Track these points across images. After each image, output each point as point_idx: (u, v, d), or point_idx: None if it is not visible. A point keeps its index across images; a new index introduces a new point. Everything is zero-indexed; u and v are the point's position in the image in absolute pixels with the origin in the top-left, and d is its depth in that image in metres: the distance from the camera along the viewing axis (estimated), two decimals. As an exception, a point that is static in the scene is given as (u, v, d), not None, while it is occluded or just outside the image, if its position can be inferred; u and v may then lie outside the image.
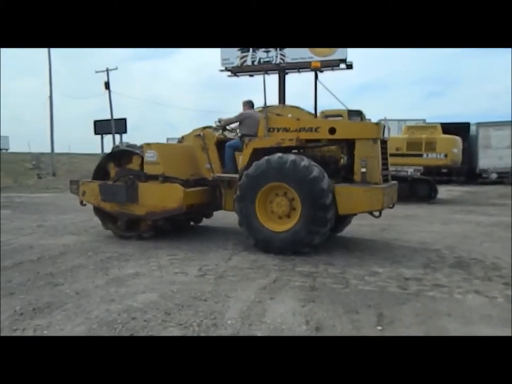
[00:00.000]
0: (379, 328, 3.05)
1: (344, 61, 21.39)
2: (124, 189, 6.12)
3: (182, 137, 10.91)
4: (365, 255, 5.30)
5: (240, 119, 6.32)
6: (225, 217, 7.66)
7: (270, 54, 21.70)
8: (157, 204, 5.93)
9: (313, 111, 8.82)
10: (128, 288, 3.99)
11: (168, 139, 27.49)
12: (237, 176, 5.82)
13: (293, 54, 21.35)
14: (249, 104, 6.53)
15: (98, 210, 6.61)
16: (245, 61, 22.00)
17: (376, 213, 5.44)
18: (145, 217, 6.12)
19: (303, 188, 5.11)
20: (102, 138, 34.99)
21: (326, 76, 22.46)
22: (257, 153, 5.64)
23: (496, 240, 6.28)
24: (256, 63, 22.28)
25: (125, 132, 34.15)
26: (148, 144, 6.10)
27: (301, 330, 3.02)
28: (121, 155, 6.51)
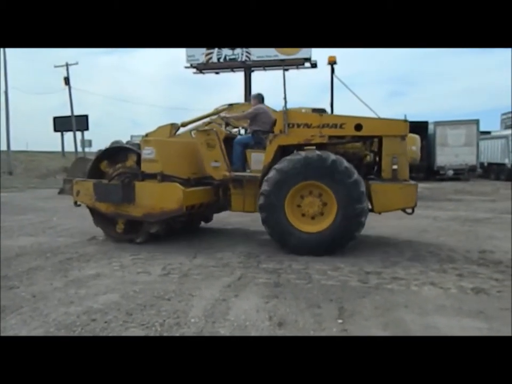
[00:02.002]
0: (340, 321, 3.13)
1: (308, 59, 21.66)
2: (119, 188, 5.64)
3: (147, 135, 10.68)
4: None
5: (253, 114, 5.92)
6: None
7: (235, 52, 21.64)
8: (154, 205, 5.54)
9: (278, 108, 8.87)
10: (88, 290, 3.88)
11: (132, 136, 26.88)
12: (257, 175, 5.55)
13: (259, 52, 21.40)
14: (258, 98, 6.16)
15: (93, 211, 6.15)
16: (211, 58, 21.85)
17: (409, 210, 5.39)
18: (141, 219, 5.71)
19: (341, 189, 4.95)
20: (62, 135, 33.74)
21: (292, 74, 22.56)
22: (282, 150, 5.48)
23: (451, 234, 6.58)
24: (221, 60, 22.17)
25: (87, 128, 33.15)
26: (146, 140, 5.73)
27: (264, 326, 3.05)
28: (118, 152, 6.05)
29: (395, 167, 5.21)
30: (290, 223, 5.17)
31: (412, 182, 5.34)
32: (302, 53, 21.12)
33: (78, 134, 30.81)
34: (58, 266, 4.72)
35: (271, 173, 5.19)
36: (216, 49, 21.71)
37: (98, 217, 6.12)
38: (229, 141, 6.01)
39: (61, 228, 6.82)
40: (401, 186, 5.18)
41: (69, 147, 32.04)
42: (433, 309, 3.37)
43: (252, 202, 5.78)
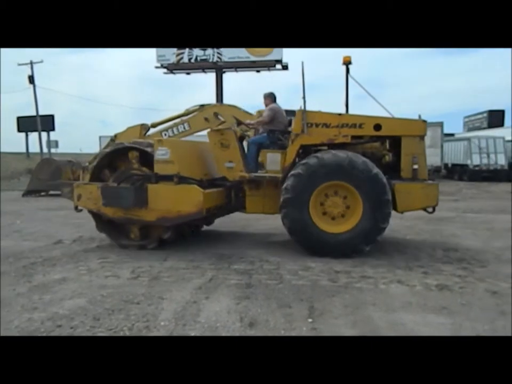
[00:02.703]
0: (310, 320, 3.16)
1: (280, 61, 21.85)
2: (131, 191, 5.26)
3: (115, 136, 10.44)
4: (299, 251, 5.44)
5: (272, 114, 5.75)
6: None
7: (207, 52, 21.57)
8: (170, 208, 5.24)
9: (251, 110, 8.86)
10: (53, 295, 3.76)
11: (100, 137, 26.28)
12: (277, 176, 5.45)
13: (230, 53, 21.42)
14: (271, 97, 6.00)
15: (97, 217, 5.78)
16: (181, 58, 21.70)
17: (430, 209, 5.38)
18: (155, 223, 5.42)
19: (369, 192, 4.95)
20: (26, 136, 32.58)
21: (263, 76, 22.71)
22: (304, 150, 5.42)
23: (417, 233, 6.79)
24: (193, 60, 22.03)
25: (53, 129, 32.17)
26: (159, 140, 5.41)
27: (235, 327, 3.05)
28: (125, 153, 5.69)
29: (416, 166, 5.25)
30: (317, 225, 5.10)
31: (432, 181, 5.41)
32: (274, 54, 21.30)
33: (44, 134, 29.80)
34: (22, 271, 4.55)
35: (300, 170, 5.08)
36: (187, 50, 21.56)
37: (103, 222, 5.79)
38: (240, 140, 5.88)
39: (25, 232, 6.58)
40: (423, 186, 5.23)
41: (34, 148, 30.98)
42: (400, 306, 3.46)
43: (271, 204, 5.60)
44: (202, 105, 9.23)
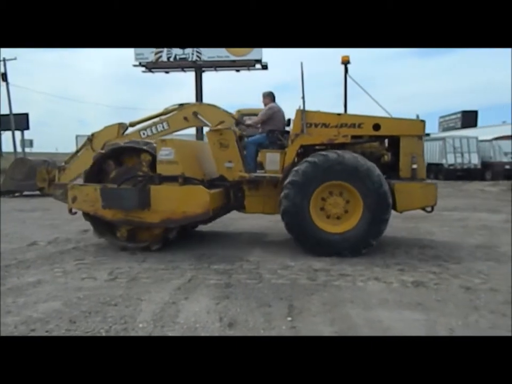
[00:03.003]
0: (289, 319, 3.18)
1: (259, 61, 21.88)
2: (134, 193, 5.13)
3: (92, 135, 10.24)
4: (279, 250, 5.48)
5: (270, 115, 5.77)
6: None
7: (186, 51, 21.40)
8: (175, 209, 5.15)
9: (231, 110, 8.84)
10: (27, 298, 3.66)
11: (77, 136, 25.74)
12: (277, 176, 5.44)
13: (210, 52, 21.32)
14: (270, 97, 5.98)
15: (95, 220, 5.57)
16: (160, 56, 21.47)
17: (428, 209, 5.42)
18: (159, 225, 5.31)
19: (370, 194, 4.96)
20: (-1, 135, 31.66)
21: (242, 75, 22.74)
22: (304, 150, 5.41)
23: (395, 231, 6.89)
24: (172, 59, 21.83)
25: (27, 128, 31.39)
26: (163, 140, 5.28)
27: (215, 327, 3.04)
28: (122, 153, 5.55)
29: (415, 166, 5.27)
30: (316, 224, 5.11)
31: (430, 181, 5.48)
32: (253, 54, 21.32)
33: (18, 133, 29.01)
34: (-6, 274, 4.42)
35: (305, 167, 5.06)
36: (165, 48, 21.34)
37: (101, 225, 5.61)
38: (240, 140, 5.83)
39: (-3, 234, 6.37)
40: (422, 186, 5.29)
41: (8, 147, 30.11)
42: (377, 303, 3.52)
43: (271, 204, 5.59)
44: (181, 104, 9.15)
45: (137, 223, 5.32)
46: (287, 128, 6.01)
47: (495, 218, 8.17)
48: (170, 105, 9.43)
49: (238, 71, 22.90)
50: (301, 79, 5.30)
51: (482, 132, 21.38)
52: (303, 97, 5.34)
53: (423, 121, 5.47)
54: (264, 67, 22.25)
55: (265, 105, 6.02)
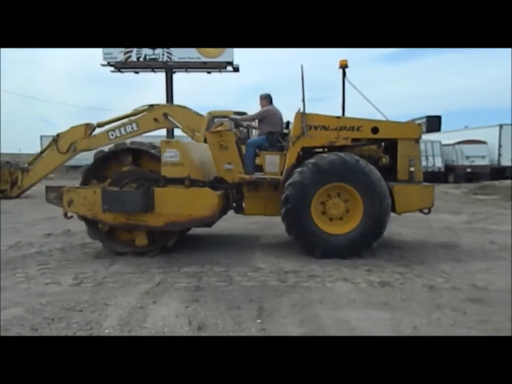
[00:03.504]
0: (259, 321, 3.19)
1: (231, 63, 21.87)
2: (139, 196, 4.98)
3: (58, 135, 9.93)
4: (250, 252, 5.48)
5: (264, 115, 5.80)
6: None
7: (156, 52, 21.12)
8: (181, 212, 5.04)
9: (202, 111, 8.79)
10: (-14, 305, 3.50)
11: (42, 137, 24.86)
12: (279, 178, 5.46)
13: (180, 53, 21.13)
14: (267, 99, 5.98)
15: (91, 223, 5.38)
16: (130, 56, 21.07)
17: (426, 210, 5.51)
18: (163, 228, 5.19)
19: (370, 196, 5.03)
20: (-43, 134, 30.21)
21: (214, 77, 22.69)
22: (303, 153, 5.42)
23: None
24: (141, 59, 21.49)
25: (-13, 127, 30.06)
26: (167, 142, 5.19)
27: (183, 331, 3.00)
28: (121, 155, 5.37)
29: (412, 169, 5.40)
30: (317, 225, 5.13)
31: (427, 183, 5.57)
32: (225, 56, 21.30)
33: (-23, 132, 27.74)
34: (-50, 281, 4.20)
35: (306, 170, 5.08)
36: (135, 48, 20.98)
37: (97, 229, 5.42)
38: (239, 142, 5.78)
39: (-46, 238, 6.05)
40: (420, 188, 5.40)
41: (-34, 147, 28.64)
42: (345, 303, 3.59)
43: (271, 206, 5.61)
44: (151, 105, 9.05)
45: (140, 226, 5.19)
46: (285, 131, 6.07)
47: (456, 220, 8.50)
48: (140, 106, 9.30)
49: (209, 72, 22.81)
50: (301, 81, 5.34)
51: (445, 136, 22.17)
52: (303, 100, 5.36)
53: (419, 125, 5.63)
54: (236, 69, 22.27)
55: (262, 107, 6.04)
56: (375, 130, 5.43)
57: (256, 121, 6.22)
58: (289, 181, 5.16)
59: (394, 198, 5.25)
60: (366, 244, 5.13)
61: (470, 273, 4.51)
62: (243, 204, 5.81)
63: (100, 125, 9.05)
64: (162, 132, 20.18)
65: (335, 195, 5.24)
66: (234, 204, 5.88)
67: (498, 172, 20.02)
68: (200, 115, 8.82)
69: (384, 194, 5.05)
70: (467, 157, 20.74)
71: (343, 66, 5.68)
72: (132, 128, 8.82)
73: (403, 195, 5.30)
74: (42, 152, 10.42)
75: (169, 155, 5.12)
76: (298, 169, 5.15)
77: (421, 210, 5.59)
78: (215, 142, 5.61)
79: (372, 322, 3.16)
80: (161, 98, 22.70)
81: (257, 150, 5.81)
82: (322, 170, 5.06)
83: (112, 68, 22.02)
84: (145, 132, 9.07)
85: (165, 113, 8.75)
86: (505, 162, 20.59)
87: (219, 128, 5.65)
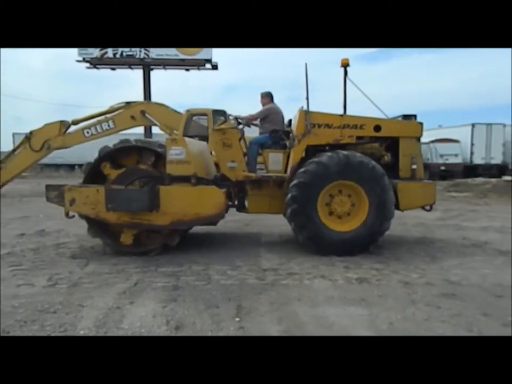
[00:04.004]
0: (237, 319, 3.18)
1: (209, 61, 21.73)
2: (145, 194, 4.92)
3: (31, 133, 9.63)
4: (228, 251, 5.47)
5: (267, 113, 5.80)
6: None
7: (133, 48, 20.77)
8: (187, 211, 5.01)
9: (180, 109, 8.68)
10: (-46, 309, 3.37)
11: (14, 134, 24.14)
12: (284, 176, 5.49)
13: (158, 50, 20.85)
14: (269, 97, 5.99)
15: (93, 222, 5.24)
16: (106, 53, 20.65)
17: (427, 207, 5.59)
18: (169, 227, 5.14)
19: (375, 192, 5.09)
20: None
21: (192, 75, 22.58)
22: (307, 151, 5.45)
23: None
24: (118, 56, 21.10)
25: (-43, 124, 28.96)
26: (173, 139, 5.11)
27: (161, 331, 2.97)
28: (123, 153, 5.32)
29: (414, 166, 5.50)
30: (323, 222, 5.17)
31: (429, 181, 5.64)
32: (203, 53, 21.15)
33: None
34: None
35: (312, 167, 5.11)
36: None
37: (98, 227, 5.30)
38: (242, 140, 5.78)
39: None
40: (422, 185, 5.51)
41: None
42: (323, 300, 3.62)
43: (277, 203, 5.59)
44: (128, 103, 8.86)
45: (145, 225, 5.11)
46: (287, 129, 6.07)
47: (430, 216, 8.68)
48: (116, 103, 9.10)
49: (187, 70, 22.61)
50: (305, 79, 5.38)
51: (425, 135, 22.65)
52: (307, 98, 5.40)
53: (421, 123, 5.72)
54: (215, 67, 22.14)
55: (263, 105, 6.06)
56: (377, 128, 5.52)
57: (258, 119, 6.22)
58: (294, 182, 5.18)
59: (398, 195, 5.34)
60: (373, 239, 5.22)
61: (443, 268, 4.63)
62: (245, 202, 5.80)
63: (75, 122, 8.81)
64: (140, 129, 19.89)
65: (336, 194, 5.32)
66: (236, 202, 5.87)
67: (470, 170, 20.56)
68: (178, 113, 8.71)
69: (388, 189, 5.14)
70: (441, 155, 21.21)
71: (345, 65, 5.73)
72: (108, 126, 8.62)
73: (406, 192, 5.40)
74: (14, 150, 10.09)
75: (175, 153, 5.06)
76: (302, 169, 5.18)
77: (423, 207, 5.72)
78: (218, 140, 5.60)
79: (349, 319, 3.20)
80: (138, 96, 22.40)
81: (259, 148, 5.84)
82: (325, 169, 5.11)
83: (87, 64, 21.56)
84: (122, 130, 8.87)
85: (142, 110, 8.58)
86: (477, 160, 21.20)
87: (222, 126, 5.64)
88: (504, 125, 22.21)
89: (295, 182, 5.16)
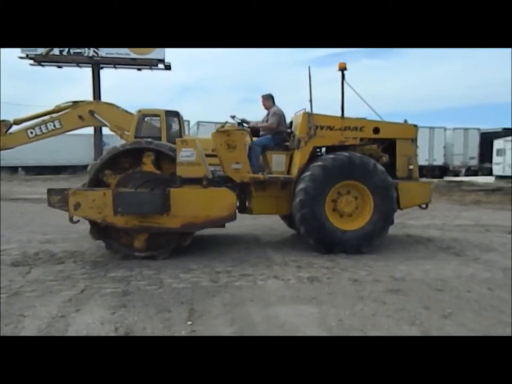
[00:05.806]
0: (189, 323, 3.15)
1: (162, 61, 21.37)
2: (157, 197, 4.80)
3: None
4: (183, 254, 5.38)
5: (279, 119, 5.85)
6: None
7: (81, 45, 19.95)
8: (198, 213, 4.94)
9: (131, 109, 8.47)
10: None
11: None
12: (291, 177, 5.55)
13: (108, 48, 20.19)
14: (271, 99, 6.05)
15: (96, 225, 5.03)
16: (51, 49, 19.69)
17: (423, 205, 5.86)
18: (179, 230, 5.02)
19: (379, 191, 5.30)
20: None
21: (145, 75, 22.09)
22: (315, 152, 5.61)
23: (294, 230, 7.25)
24: (65, 53, 20.22)
25: None
26: (183, 141, 5.00)
27: (109, 338, 2.87)
28: (131, 154, 5.10)
29: (411, 167, 5.79)
30: (331, 221, 5.30)
31: (425, 180, 5.90)
32: (155, 53, 20.78)
33: None
34: None
35: (317, 170, 5.23)
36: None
37: (100, 230, 5.11)
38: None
39: None
40: (419, 184, 5.84)
41: None
42: (275, 300, 3.67)
43: (282, 204, 5.69)
44: (76, 102, 8.53)
45: (154, 229, 4.98)
46: (289, 130, 6.13)
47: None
48: (63, 102, 8.72)
49: (139, 69, 22.09)
50: (309, 82, 5.56)
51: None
52: (310, 101, 5.54)
53: (416, 126, 6.02)
54: (168, 67, 21.81)
55: (265, 107, 6.10)
56: (376, 130, 5.77)
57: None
58: (300, 186, 5.28)
59: (399, 194, 5.60)
60: (380, 234, 5.43)
61: (389, 265, 4.84)
62: (249, 204, 5.78)
63: (17, 122, 8.37)
64: (89, 129, 19.16)
65: (345, 193, 5.48)
66: (237, 204, 5.77)
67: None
68: (130, 113, 8.51)
69: (390, 186, 5.37)
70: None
71: (342, 68, 5.87)
72: (54, 126, 8.27)
73: (406, 191, 5.66)
74: None
75: (185, 154, 4.99)
76: (308, 173, 5.29)
77: (419, 205, 5.98)
78: (222, 142, 5.57)
79: (300, 317, 3.26)
80: (87, 95, 21.58)
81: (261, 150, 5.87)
82: (331, 170, 5.26)
83: (31, 61, 20.48)
84: (69, 130, 8.55)
85: (91, 110, 8.33)
86: (421, 162, 22.38)
87: (226, 127, 5.64)
88: (445, 129, 23.66)
89: (301, 186, 5.27)
